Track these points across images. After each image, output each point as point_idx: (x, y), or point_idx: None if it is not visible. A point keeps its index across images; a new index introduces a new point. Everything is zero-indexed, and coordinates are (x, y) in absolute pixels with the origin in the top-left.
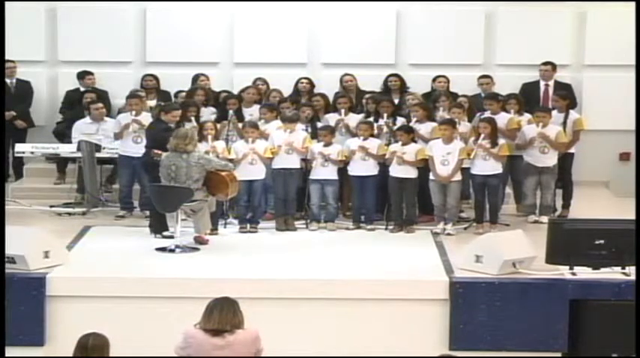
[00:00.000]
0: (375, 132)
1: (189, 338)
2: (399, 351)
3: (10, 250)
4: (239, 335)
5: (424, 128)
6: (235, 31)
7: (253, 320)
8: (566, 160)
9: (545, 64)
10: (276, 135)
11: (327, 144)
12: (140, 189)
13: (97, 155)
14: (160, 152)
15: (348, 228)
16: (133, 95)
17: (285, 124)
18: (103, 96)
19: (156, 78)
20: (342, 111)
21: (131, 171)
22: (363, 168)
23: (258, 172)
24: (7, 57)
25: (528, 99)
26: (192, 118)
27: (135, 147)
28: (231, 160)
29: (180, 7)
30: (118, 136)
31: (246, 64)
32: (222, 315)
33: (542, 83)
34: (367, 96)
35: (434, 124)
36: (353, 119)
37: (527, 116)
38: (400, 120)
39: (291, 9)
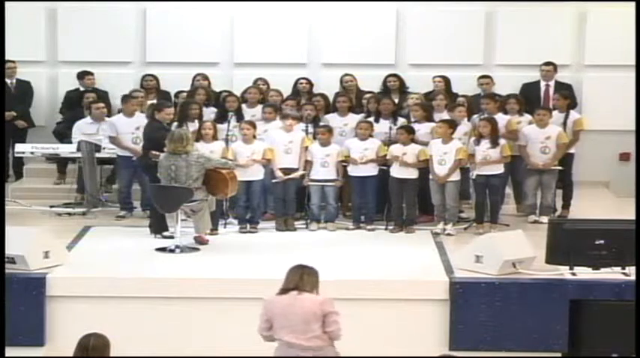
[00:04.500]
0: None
1: (267, 304)
2: (399, 351)
3: (10, 250)
4: (305, 294)
5: (423, 128)
6: (235, 31)
7: (253, 321)
8: (566, 160)
9: (547, 64)
10: (276, 135)
11: (326, 144)
12: (141, 189)
13: (97, 155)
14: (157, 153)
15: (348, 228)
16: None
17: (283, 121)
18: (103, 97)
19: (156, 78)
20: (346, 116)
21: (131, 171)
22: (363, 168)
23: (256, 172)
24: (7, 57)
25: (529, 99)
26: (195, 118)
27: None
28: (230, 160)
29: (180, 7)
30: (113, 140)
31: (246, 64)
32: (290, 277)
33: (542, 83)
34: (368, 95)
35: (432, 125)
36: (353, 120)
37: (527, 117)
38: (401, 121)
39: (291, 9)
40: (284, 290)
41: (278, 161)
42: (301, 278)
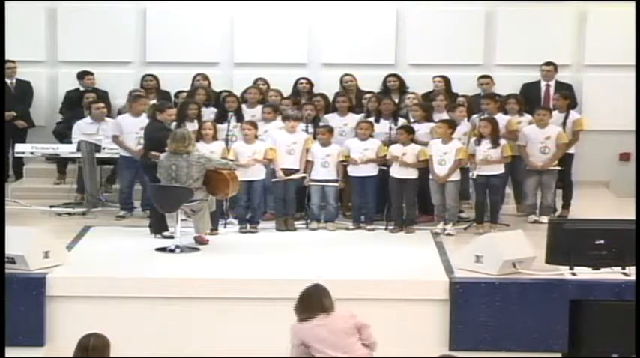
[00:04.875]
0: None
1: (297, 330)
2: (399, 351)
3: (10, 250)
4: (332, 313)
5: (422, 128)
6: (235, 31)
7: (253, 321)
8: (566, 160)
9: (547, 64)
10: (278, 135)
11: (326, 144)
12: (142, 189)
13: (97, 155)
14: (157, 154)
15: (348, 228)
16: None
17: (285, 122)
18: (103, 97)
19: (156, 78)
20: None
21: (133, 171)
22: (363, 168)
23: (257, 172)
24: (7, 57)
25: (529, 99)
26: (194, 118)
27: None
28: (230, 161)
29: (180, 7)
30: (115, 139)
31: (246, 64)
32: (308, 304)
33: (542, 83)
34: (368, 95)
35: (432, 125)
36: (353, 120)
37: (527, 117)
38: (401, 121)
39: (291, 9)
40: (308, 317)
41: (280, 161)
42: (322, 303)
